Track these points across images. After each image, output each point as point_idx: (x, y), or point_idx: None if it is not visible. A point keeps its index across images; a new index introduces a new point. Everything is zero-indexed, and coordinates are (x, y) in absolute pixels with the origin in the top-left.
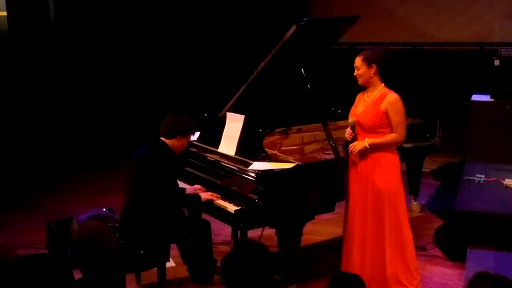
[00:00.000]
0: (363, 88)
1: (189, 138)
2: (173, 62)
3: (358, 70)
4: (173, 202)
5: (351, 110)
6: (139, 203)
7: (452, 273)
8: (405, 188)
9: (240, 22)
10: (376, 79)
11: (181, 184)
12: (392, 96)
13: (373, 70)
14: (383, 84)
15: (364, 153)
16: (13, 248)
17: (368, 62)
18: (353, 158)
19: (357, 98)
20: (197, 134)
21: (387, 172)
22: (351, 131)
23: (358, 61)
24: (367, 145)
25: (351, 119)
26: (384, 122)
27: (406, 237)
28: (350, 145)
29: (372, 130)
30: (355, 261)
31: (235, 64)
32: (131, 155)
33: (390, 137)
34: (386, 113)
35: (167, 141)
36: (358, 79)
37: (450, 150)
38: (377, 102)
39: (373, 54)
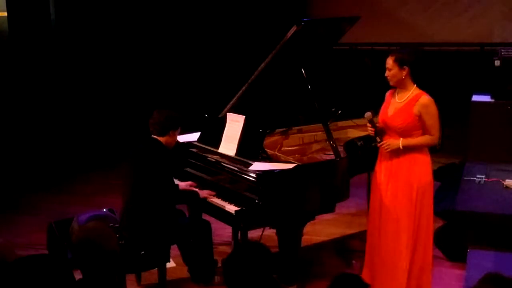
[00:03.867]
0: (389, 87)
1: (179, 131)
2: (173, 62)
3: (389, 71)
4: (171, 199)
5: (381, 110)
6: (138, 203)
7: (453, 273)
8: None
9: (241, 22)
10: (408, 80)
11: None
12: (425, 98)
13: (405, 72)
14: (415, 85)
15: (396, 153)
16: (13, 248)
17: (400, 63)
18: (385, 153)
19: (386, 97)
20: (198, 134)
21: (421, 170)
22: (370, 125)
23: (389, 61)
24: (401, 146)
25: (366, 114)
26: (417, 125)
27: (431, 231)
28: (383, 142)
29: (404, 133)
30: (383, 256)
31: (236, 65)
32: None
33: (424, 139)
34: (419, 116)
35: (160, 138)
36: (389, 80)
37: (451, 151)
38: (409, 105)
39: (405, 55)
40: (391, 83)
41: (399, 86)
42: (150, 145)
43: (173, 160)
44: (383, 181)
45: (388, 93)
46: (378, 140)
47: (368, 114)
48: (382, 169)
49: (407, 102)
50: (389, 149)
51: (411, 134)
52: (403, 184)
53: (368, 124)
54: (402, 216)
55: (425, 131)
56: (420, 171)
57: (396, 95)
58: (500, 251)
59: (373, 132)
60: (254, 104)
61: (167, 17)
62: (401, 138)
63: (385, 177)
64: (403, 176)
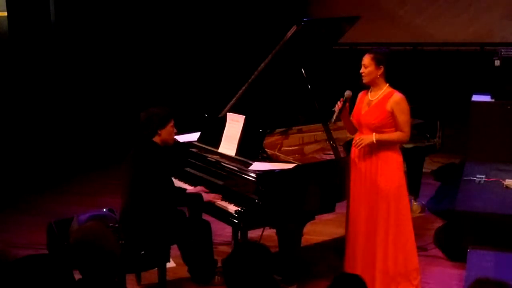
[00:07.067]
0: (364, 87)
1: (171, 124)
2: (173, 62)
3: (365, 68)
4: (170, 200)
5: (355, 109)
6: (137, 204)
7: (453, 273)
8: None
9: (240, 22)
10: (381, 79)
11: (182, 185)
12: (398, 95)
13: (380, 71)
14: (387, 84)
15: (368, 151)
16: (10, 250)
17: (377, 62)
18: (357, 151)
19: (359, 97)
20: (198, 134)
21: (392, 172)
22: (342, 100)
23: (367, 59)
24: (374, 140)
25: (347, 92)
26: (389, 122)
27: (408, 237)
28: (356, 138)
29: (377, 130)
30: (360, 260)
31: (236, 65)
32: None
33: (397, 134)
34: (391, 113)
35: (153, 139)
36: (363, 77)
37: (451, 151)
38: (382, 102)
39: (383, 55)
40: (364, 80)
41: (373, 84)
42: (144, 147)
43: (170, 160)
44: (360, 184)
45: (361, 94)
46: (334, 117)
47: (348, 93)
48: (356, 173)
49: (380, 100)
50: (363, 144)
51: (384, 131)
52: (376, 186)
53: (342, 99)
54: (389, 199)
55: (397, 127)
56: (392, 172)
57: (369, 93)
58: (500, 251)
59: (338, 108)
60: (254, 104)
61: (167, 17)
62: (374, 133)
63: (360, 180)
64: (376, 177)
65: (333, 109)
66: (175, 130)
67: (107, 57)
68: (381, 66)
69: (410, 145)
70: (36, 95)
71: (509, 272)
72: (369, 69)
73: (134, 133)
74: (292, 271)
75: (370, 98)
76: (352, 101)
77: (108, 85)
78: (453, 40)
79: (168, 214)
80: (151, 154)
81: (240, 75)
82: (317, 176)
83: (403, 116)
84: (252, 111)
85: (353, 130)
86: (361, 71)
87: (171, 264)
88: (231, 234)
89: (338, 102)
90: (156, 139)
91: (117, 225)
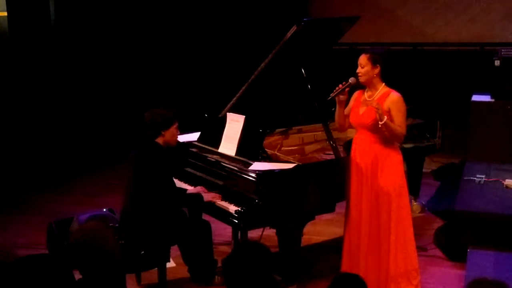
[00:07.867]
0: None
1: (175, 125)
2: (173, 62)
3: (362, 68)
4: (171, 201)
5: (352, 111)
6: (137, 204)
7: (452, 273)
8: None
9: (241, 22)
10: (377, 79)
11: (182, 185)
12: (395, 95)
13: (377, 70)
14: (384, 83)
15: (369, 151)
16: (12, 248)
17: (373, 61)
18: (357, 151)
19: (355, 98)
20: (198, 134)
21: (392, 171)
22: (342, 85)
23: (363, 59)
24: (383, 121)
25: (352, 78)
26: None
27: (408, 237)
28: (374, 101)
29: (375, 130)
30: (360, 261)
31: (236, 64)
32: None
33: (397, 128)
34: (388, 112)
35: (156, 139)
36: (360, 77)
37: (450, 150)
38: (379, 101)
39: (379, 54)
40: (361, 80)
41: (369, 84)
42: (146, 148)
43: (171, 161)
44: (360, 184)
45: (356, 94)
46: (331, 95)
47: (352, 79)
48: (357, 173)
49: (377, 99)
50: (379, 110)
51: (382, 130)
52: (377, 186)
53: (344, 83)
54: (390, 199)
55: None
56: (393, 172)
57: (365, 93)
58: (500, 251)
59: (336, 91)
60: (254, 104)
61: (167, 17)
62: (386, 116)
63: (362, 180)
64: (377, 177)
65: (333, 109)
66: (178, 132)
67: (107, 57)
68: (377, 65)
69: (410, 145)
70: (36, 95)
71: (509, 272)
72: (365, 68)
73: (137, 133)
74: (292, 271)
75: (367, 99)
76: (349, 94)
77: (108, 85)
78: (453, 40)
79: (169, 214)
80: (153, 155)
81: (240, 75)
82: (317, 176)
83: (400, 115)
84: (252, 111)
85: (343, 122)
86: (357, 70)
87: (171, 264)
88: (231, 234)
89: (340, 85)
90: (159, 140)
91: (117, 225)
